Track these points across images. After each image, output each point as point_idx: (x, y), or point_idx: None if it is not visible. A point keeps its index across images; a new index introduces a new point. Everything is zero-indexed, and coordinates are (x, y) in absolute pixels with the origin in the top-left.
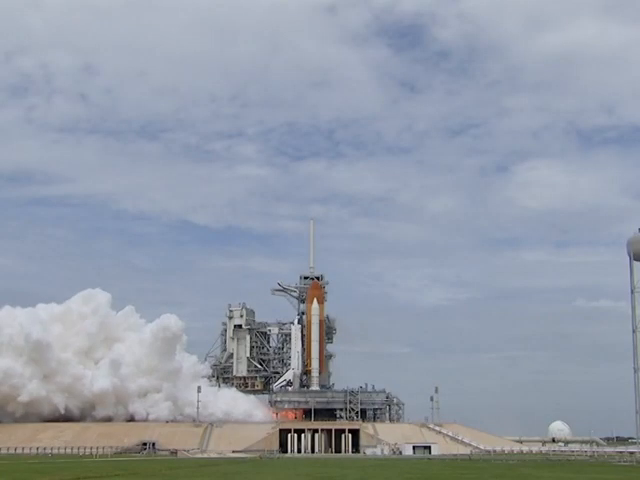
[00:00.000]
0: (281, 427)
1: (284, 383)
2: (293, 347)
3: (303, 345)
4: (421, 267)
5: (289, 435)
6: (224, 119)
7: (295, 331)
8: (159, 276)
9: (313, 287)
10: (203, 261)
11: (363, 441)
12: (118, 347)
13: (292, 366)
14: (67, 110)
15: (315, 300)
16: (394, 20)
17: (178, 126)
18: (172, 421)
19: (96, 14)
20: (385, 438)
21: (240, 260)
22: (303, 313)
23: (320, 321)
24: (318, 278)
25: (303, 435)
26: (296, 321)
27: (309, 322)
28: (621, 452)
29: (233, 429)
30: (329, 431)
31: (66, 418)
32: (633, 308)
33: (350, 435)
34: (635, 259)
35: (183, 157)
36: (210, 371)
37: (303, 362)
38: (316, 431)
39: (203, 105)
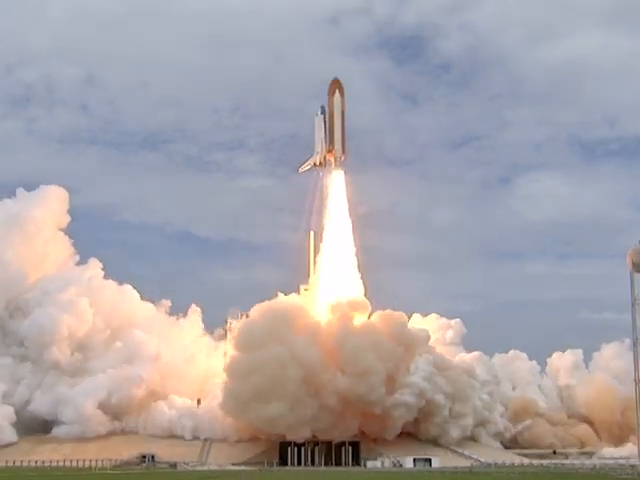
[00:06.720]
0: (281, 440)
1: (308, 167)
2: (317, 134)
3: (326, 132)
4: (423, 280)
5: (289, 448)
6: (225, 130)
7: (319, 121)
8: (161, 287)
9: (334, 82)
10: (205, 273)
11: (364, 454)
12: None
13: (316, 150)
14: (69, 121)
15: (337, 92)
16: (396, 32)
17: (179, 137)
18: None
19: (98, 25)
20: (385, 451)
21: (241, 271)
22: (324, 108)
23: (342, 111)
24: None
25: (303, 448)
26: (319, 112)
27: (332, 112)
28: (622, 465)
29: (232, 442)
30: (329, 444)
31: None
32: (633, 320)
33: (350, 448)
34: (636, 271)
35: (184, 168)
36: None
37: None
38: (316, 444)
39: (205, 116)
